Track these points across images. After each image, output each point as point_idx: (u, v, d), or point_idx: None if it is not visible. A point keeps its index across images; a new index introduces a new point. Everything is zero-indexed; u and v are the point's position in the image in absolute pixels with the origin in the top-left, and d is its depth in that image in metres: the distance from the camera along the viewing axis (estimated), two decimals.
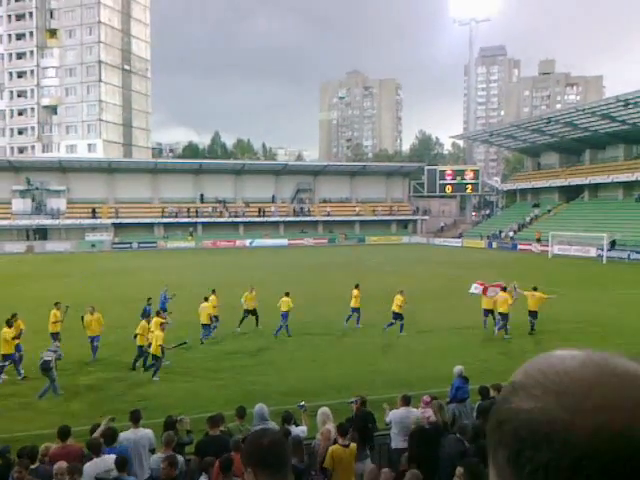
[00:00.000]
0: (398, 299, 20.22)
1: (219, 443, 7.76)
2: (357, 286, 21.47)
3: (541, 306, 20.03)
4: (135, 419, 8.45)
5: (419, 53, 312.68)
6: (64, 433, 7.95)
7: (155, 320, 16.45)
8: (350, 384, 13.98)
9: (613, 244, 50.60)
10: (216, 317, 20.08)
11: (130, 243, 70.04)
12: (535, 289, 20.29)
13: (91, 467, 7.00)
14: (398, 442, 9.15)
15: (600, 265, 44.85)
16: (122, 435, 8.21)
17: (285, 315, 20.04)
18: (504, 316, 19.44)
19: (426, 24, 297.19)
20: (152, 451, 8.20)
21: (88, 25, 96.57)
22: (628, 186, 62.76)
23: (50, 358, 13.70)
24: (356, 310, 21.18)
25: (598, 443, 0.64)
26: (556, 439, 0.66)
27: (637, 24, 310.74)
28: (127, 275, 39.71)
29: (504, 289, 20.20)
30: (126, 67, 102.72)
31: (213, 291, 21.00)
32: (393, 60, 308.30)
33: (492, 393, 9.92)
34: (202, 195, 78.29)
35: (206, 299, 20.03)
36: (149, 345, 15.70)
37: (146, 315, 17.78)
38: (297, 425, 8.96)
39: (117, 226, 71.61)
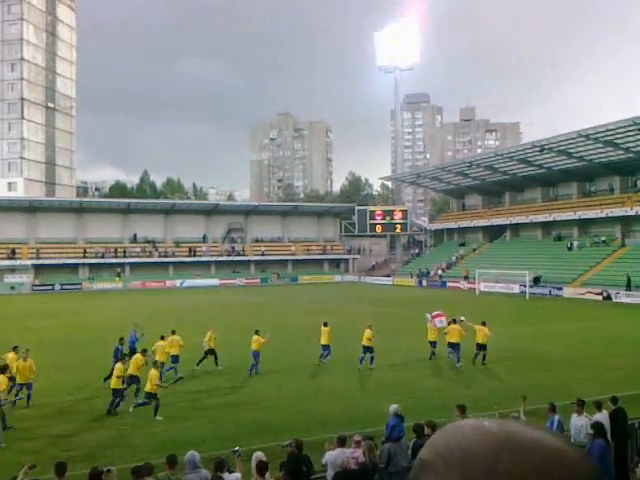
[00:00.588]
0: (367, 333, 20.87)
1: None
2: (326, 324, 21.78)
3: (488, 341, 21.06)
4: (60, 472, 7.92)
5: (348, 98, 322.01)
6: None
7: (138, 357, 16.49)
8: (286, 426, 13.70)
9: (538, 280, 52.85)
10: (176, 357, 19.67)
11: (52, 285, 66.90)
12: (484, 324, 21.46)
13: None
14: None
15: (524, 301, 46.65)
16: None
17: (256, 354, 19.98)
18: (455, 346, 20.91)
19: (354, 70, 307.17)
20: None
21: (10, 61, 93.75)
22: (546, 226, 66.22)
23: None
24: (326, 347, 21.48)
25: None
26: None
27: (550, 75, 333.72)
28: (50, 318, 37.68)
29: (454, 321, 21.71)
30: (50, 105, 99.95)
31: (173, 332, 20.61)
32: (323, 103, 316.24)
33: (426, 431, 9.96)
34: (135, 235, 76.26)
35: (162, 338, 19.67)
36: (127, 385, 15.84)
37: (121, 356, 17.28)
38: (231, 472, 8.65)
39: (38, 267, 68.34)
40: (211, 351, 20.90)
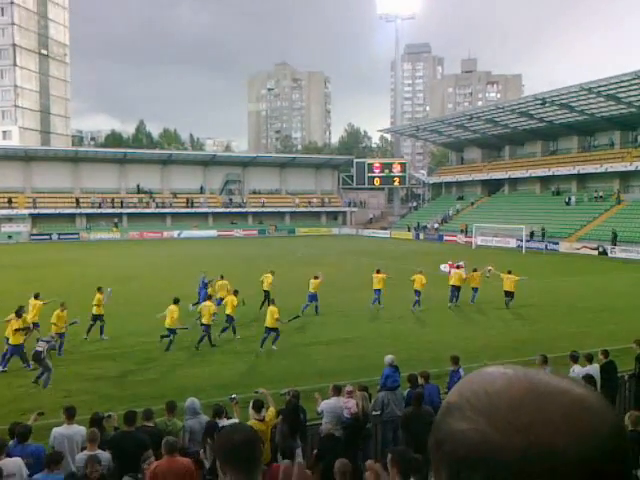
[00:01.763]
0: (420, 278, 22.76)
1: (131, 440, 7.49)
2: (378, 271, 23.44)
3: (516, 286, 23.25)
4: (70, 415, 8.15)
5: (347, 48, 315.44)
6: None
7: (233, 298, 18.27)
8: (284, 375, 13.99)
9: (544, 235, 52.69)
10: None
11: (50, 234, 66.93)
12: (509, 272, 23.65)
13: None
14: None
15: (520, 255, 46.85)
16: (55, 430, 7.94)
17: (313, 296, 21.40)
18: (456, 288, 23.59)
19: (354, 20, 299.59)
20: (85, 449, 7.92)
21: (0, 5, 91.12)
22: (545, 180, 65.98)
23: (41, 349, 13.61)
24: (378, 291, 22.99)
25: (528, 460, 0.68)
26: (490, 459, 0.70)
27: (553, 27, 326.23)
28: (51, 268, 37.79)
29: (458, 267, 24.79)
30: (43, 52, 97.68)
31: (222, 277, 21.93)
32: (321, 54, 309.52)
33: (420, 381, 10.18)
34: (139, 185, 75.74)
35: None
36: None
37: (207, 296, 18.91)
38: (229, 418, 8.87)
39: (35, 217, 68.25)
40: (267, 293, 22.10)
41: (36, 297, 17.45)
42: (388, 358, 10.97)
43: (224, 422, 8.52)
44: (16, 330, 14.64)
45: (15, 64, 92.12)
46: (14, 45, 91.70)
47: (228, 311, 18.16)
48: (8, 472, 6.61)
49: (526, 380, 0.76)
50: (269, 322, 16.74)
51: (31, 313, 16.60)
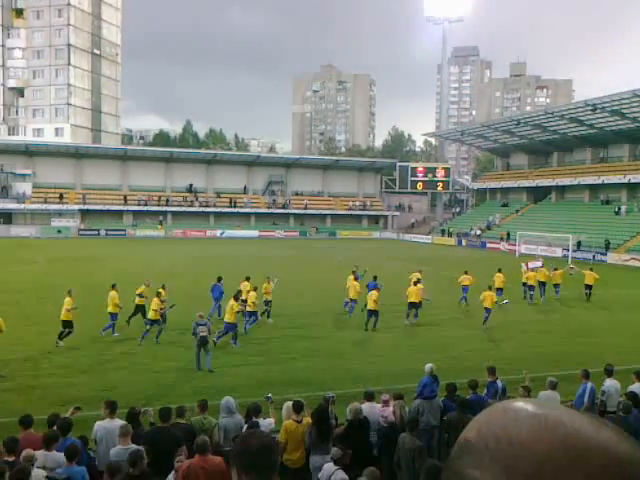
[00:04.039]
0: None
1: (166, 436, 7.56)
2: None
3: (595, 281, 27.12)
4: (112, 409, 8.26)
5: (393, 50, 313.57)
6: (26, 422, 7.79)
7: (415, 289, 21.01)
8: (318, 379, 13.94)
9: (607, 247, 50.49)
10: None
11: (98, 230, 68.84)
12: (591, 269, 27.66)
13: (39, 460, 6.79)
14: None
15: (566, 265, 45.53)
16: (98, 424, 8.04)
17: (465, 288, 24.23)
18: (531, 287, 26.61)
19: (400, 22, 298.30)
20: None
21: (57, 7, 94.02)
22: (594, 189, 64.14)
23: (205, 333, 14.97)
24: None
25: None
26: None
27: (606, 31, 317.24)
28: (99, 262, 38.76)
29: (555, 269, 27.79)
30: (96, 51, 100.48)
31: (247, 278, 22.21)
32: (367, 56, 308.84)
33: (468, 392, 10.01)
34: (191, 185, 77.37)
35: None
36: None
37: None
38: (264, 418, 8.89)
39: (84, 212, 70.32)
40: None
41: (247, 279, 20.90)
42: (428, 367, 10.78)
43: (261, 422, 8.55)
44: (159, 309, 17.73)
45: (69, 63, 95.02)
46: (69, 45, 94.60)
47: (412, 299, 20.85)
48: (51, 465, 6.76)
49: (557, 430, 0.66)
50: (488, 303, 20.16)
51: (247, 294, 19.43)
